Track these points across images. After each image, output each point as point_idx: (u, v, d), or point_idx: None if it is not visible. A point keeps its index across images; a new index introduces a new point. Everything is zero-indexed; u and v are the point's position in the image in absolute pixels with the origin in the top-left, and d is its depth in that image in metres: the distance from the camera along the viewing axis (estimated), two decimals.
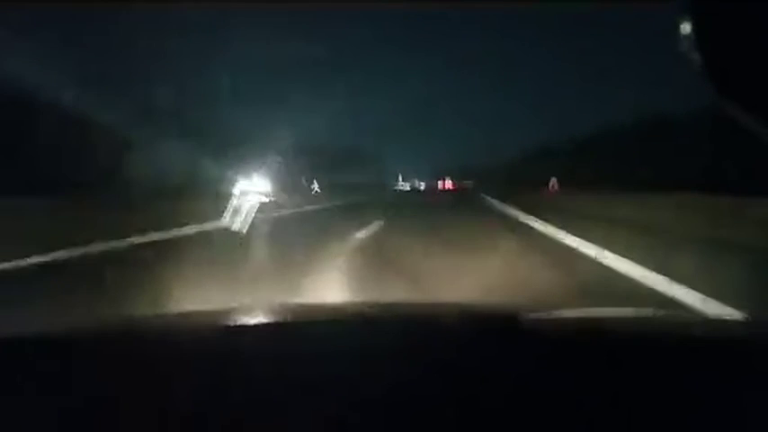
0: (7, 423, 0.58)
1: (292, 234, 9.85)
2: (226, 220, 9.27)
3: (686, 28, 0.56)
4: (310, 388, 0.62)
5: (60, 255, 5.96)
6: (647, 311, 1.35)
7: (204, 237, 8.50)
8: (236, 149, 20.06)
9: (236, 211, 9.48)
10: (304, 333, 0.84)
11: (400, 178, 70.01)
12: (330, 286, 4.39)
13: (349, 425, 0.57)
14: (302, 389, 0.62)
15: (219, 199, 11.52)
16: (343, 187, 30.68)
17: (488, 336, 0.78)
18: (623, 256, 5.28)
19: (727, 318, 2.37)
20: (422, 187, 65.38)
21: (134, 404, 0.60)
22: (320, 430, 0.57)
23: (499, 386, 0.63)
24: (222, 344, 0.78)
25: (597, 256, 5.69)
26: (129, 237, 7.30)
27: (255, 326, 0.91)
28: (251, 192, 15.45)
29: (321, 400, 0.60)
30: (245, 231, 8.34)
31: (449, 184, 61.78)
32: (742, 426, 0.57)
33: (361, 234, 8.05)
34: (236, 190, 15.14)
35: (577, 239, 6.83)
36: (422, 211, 16.06)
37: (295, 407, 0.59)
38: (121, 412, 0.59)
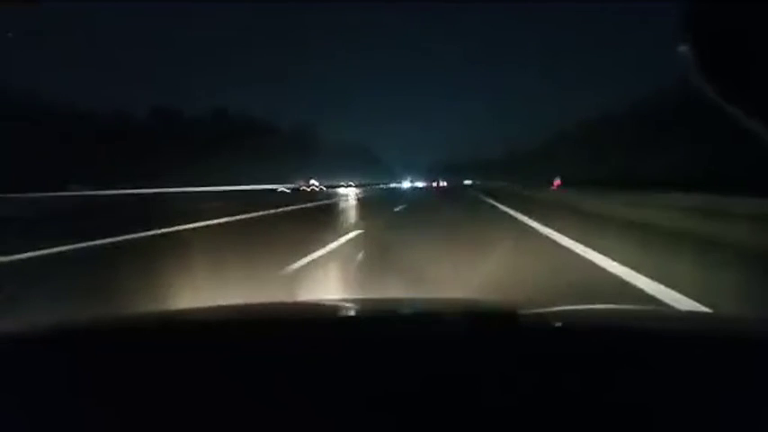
0: (8, 421, 0.59)
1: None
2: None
3: (682, 23, 0.56)
4: (310, 386, 0.63)
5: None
6: (647, 308, 1.35)
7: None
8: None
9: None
10: (304, 331, 0.84)
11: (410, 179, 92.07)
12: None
13: (349, 422, 0.57)
14: (302, 387, 0.63)
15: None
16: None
17: (488, 333, 0.78)
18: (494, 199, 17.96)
19: (727, 315, 2.43)
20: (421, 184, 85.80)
21: (132, 403, 0.61)
22: (320, 428, 0.57)
23: (499, 383, 0.63)
24: (222, 343, 0.78)
25: (480, 197, 18.03)
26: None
27: (255, 325, 0.92)
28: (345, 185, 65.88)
29: (321, 399, 0.60)
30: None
31: (442, 183, 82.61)
32: (740, 424, 0.57)
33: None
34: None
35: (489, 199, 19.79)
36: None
37: (294, 405, 0.59)
38: (121, 411, 0.60)
